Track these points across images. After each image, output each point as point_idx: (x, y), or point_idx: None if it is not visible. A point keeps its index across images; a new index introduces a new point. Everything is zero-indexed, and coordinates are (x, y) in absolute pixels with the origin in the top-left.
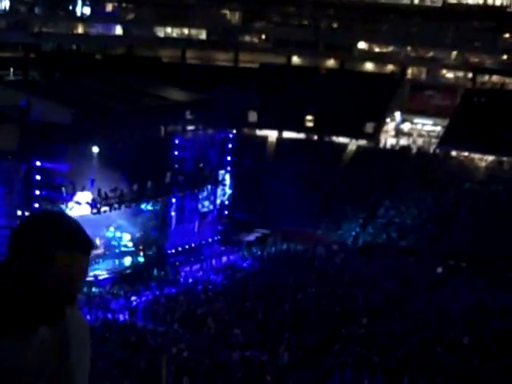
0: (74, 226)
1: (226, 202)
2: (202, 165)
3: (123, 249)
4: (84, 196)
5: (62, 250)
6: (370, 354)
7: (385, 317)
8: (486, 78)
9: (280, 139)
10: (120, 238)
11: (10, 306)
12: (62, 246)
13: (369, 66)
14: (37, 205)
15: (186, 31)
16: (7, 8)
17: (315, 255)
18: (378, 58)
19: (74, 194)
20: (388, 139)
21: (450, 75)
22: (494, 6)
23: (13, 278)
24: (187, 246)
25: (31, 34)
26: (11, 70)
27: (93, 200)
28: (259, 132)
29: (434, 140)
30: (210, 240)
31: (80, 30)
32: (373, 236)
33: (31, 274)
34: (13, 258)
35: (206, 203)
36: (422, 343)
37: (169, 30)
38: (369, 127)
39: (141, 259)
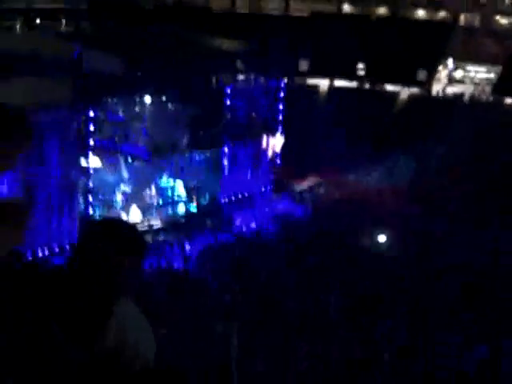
0: (129, 232)
1: (278, 151)
2: (254, 114)
3: (176, 198)
4: None
5: (117, 254)
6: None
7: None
8: None
9: (331, 88)
10: (173, 188)
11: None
12: (117, 251)
13: (421, 13)
14: (91, 153)
15: None
16: None
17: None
18: (430, 5)
19: (126, 143)
20: (440, 87)
21: (503, 21)
22: None
23: (76, 275)
24: (240, 195)
25: None
26: (63, 21)
27: (146, 149)
28: (310, 81)
29: (487, 88)
30: (262, 189)
31: None
32: None
33: (92, 274)
34: (78, 258)
35: (259, 152)
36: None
37: None
38: (421, 75)
39: (194, 208)
